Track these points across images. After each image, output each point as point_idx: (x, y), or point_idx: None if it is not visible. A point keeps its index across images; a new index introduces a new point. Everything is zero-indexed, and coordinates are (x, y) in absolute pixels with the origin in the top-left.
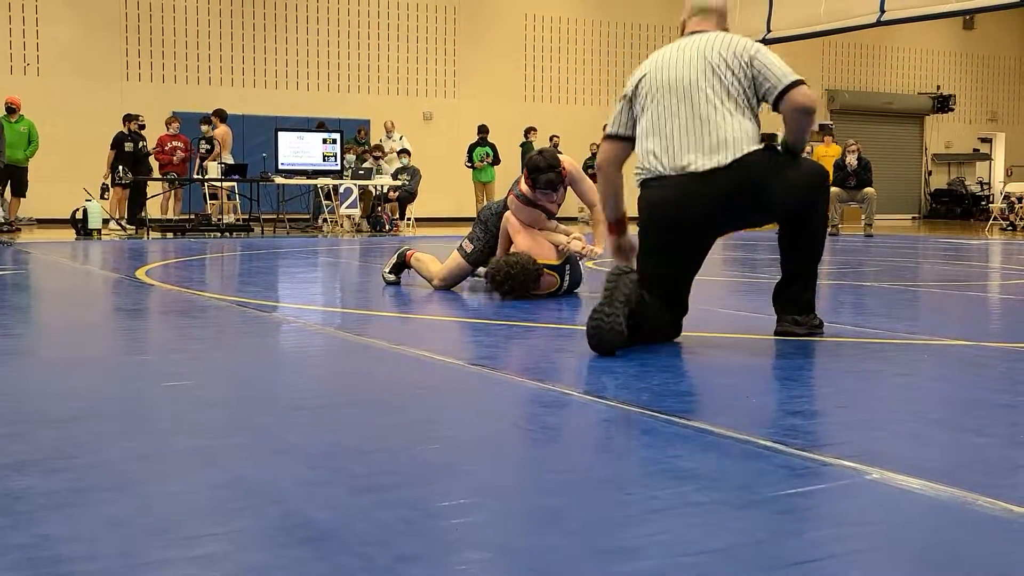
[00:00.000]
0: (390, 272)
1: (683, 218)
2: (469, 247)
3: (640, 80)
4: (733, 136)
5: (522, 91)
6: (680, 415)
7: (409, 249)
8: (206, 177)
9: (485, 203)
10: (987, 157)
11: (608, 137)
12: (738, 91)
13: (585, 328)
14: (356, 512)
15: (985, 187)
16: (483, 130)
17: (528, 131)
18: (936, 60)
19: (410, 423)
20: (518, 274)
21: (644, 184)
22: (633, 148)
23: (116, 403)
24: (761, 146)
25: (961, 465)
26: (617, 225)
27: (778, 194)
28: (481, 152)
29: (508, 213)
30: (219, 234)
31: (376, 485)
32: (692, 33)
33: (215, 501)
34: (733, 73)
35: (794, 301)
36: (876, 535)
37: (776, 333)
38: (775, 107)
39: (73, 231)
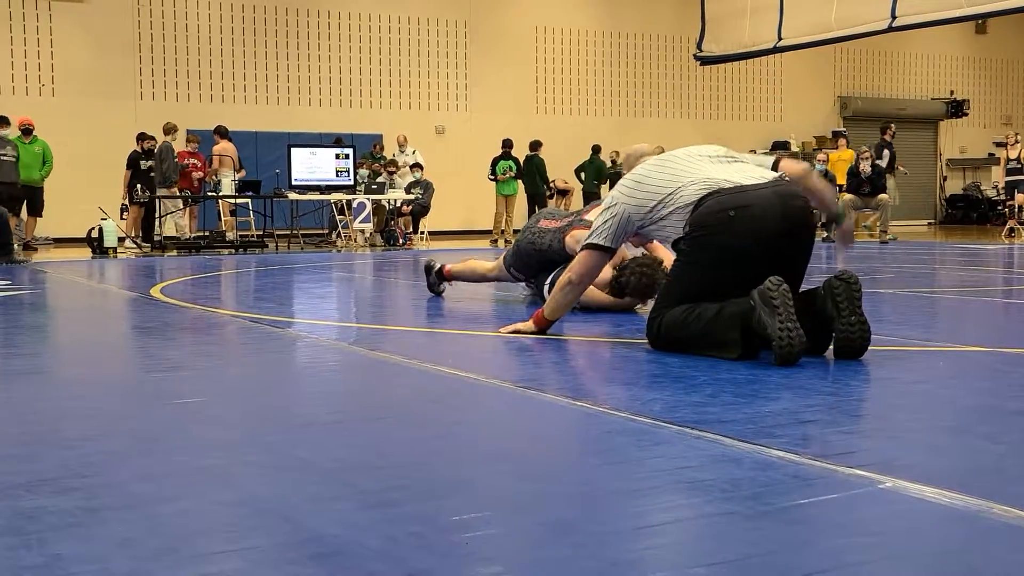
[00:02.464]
0: (438, 287)
1: (768, 217)
2: (521, 276)
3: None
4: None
5: (533, 104)
6: (692, 426)
7: (440, 264)
8: (221, 194)
9: (523, 229)
10: None
11: (601, 248)
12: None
13: (780, 350)
14: (367, 528)
15: (1001, 191)
16: (507, 144)
17: (535, 145)
18: (949, 65)
19: (422, 438)
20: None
21: (715, 193)
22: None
23: (128, 422)
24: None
25: (976, 473)
26: (548, 324)
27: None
28: (504, 165)
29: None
30: (233, 251)
31: (387, 500)
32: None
33: (226, 519)
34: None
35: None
36: (889, 545)
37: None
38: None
39: (89, 250)
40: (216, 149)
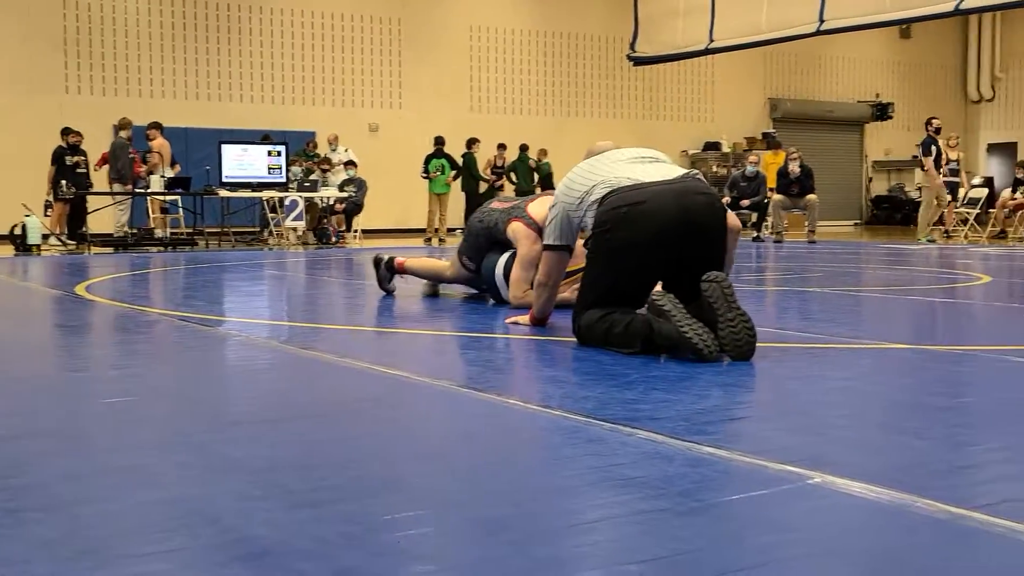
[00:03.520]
0: (389, 283)
1: (667, 211)
2: (471, 265)
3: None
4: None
5: (467, 102)
6: (624, 423)
7: (390, 256)
8: (149, 191)
9: (477, 213)
10: None
11: (558, 248)
12: None
13: (691, 347)
14: (294, 528)
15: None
16: (439, 141)
17: (470, 143)
18: (874, 69)
19: (352, 436)
20: None
21: (614, 192)
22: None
23: (52, 421)
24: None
25: (902, 468)
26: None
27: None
28: (436, 163)
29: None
30: (163, 248)
31: (316, 500)
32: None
33: (150, 520)
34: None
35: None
36: (818, 540)
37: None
38: None
39: (12, 247)
40: (154, 145)
